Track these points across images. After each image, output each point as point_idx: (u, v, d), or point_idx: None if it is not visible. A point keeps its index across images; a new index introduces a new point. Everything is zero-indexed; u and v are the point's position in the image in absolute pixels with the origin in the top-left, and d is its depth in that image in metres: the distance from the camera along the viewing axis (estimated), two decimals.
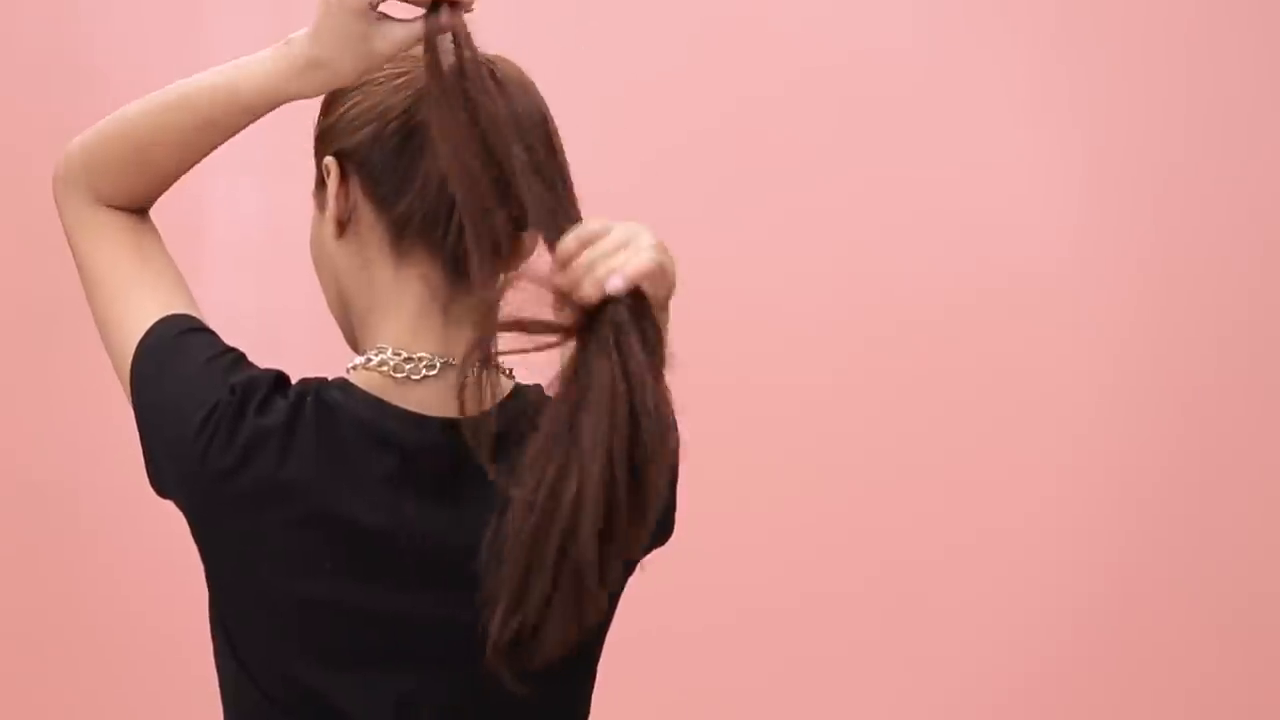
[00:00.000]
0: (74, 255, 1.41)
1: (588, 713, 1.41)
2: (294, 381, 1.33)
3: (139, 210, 1.42)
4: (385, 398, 1.31)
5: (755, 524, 2.81)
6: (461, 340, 1.29)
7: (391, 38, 1.29)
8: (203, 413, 1.28)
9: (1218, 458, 2.83)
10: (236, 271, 2.80)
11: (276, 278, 2.74)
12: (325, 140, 1.37)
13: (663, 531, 1.40)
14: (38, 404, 2.86)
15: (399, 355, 1.32)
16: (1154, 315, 2.82)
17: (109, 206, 1.40)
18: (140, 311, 1.35)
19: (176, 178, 1.41)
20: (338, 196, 1.35)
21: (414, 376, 1.31)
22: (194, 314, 1.36)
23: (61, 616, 2.86)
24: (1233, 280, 2.83)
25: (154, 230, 1.42)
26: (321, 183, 1.37)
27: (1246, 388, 2.83)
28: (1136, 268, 2.82)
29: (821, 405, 2.84)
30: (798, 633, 2.82)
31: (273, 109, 1.35)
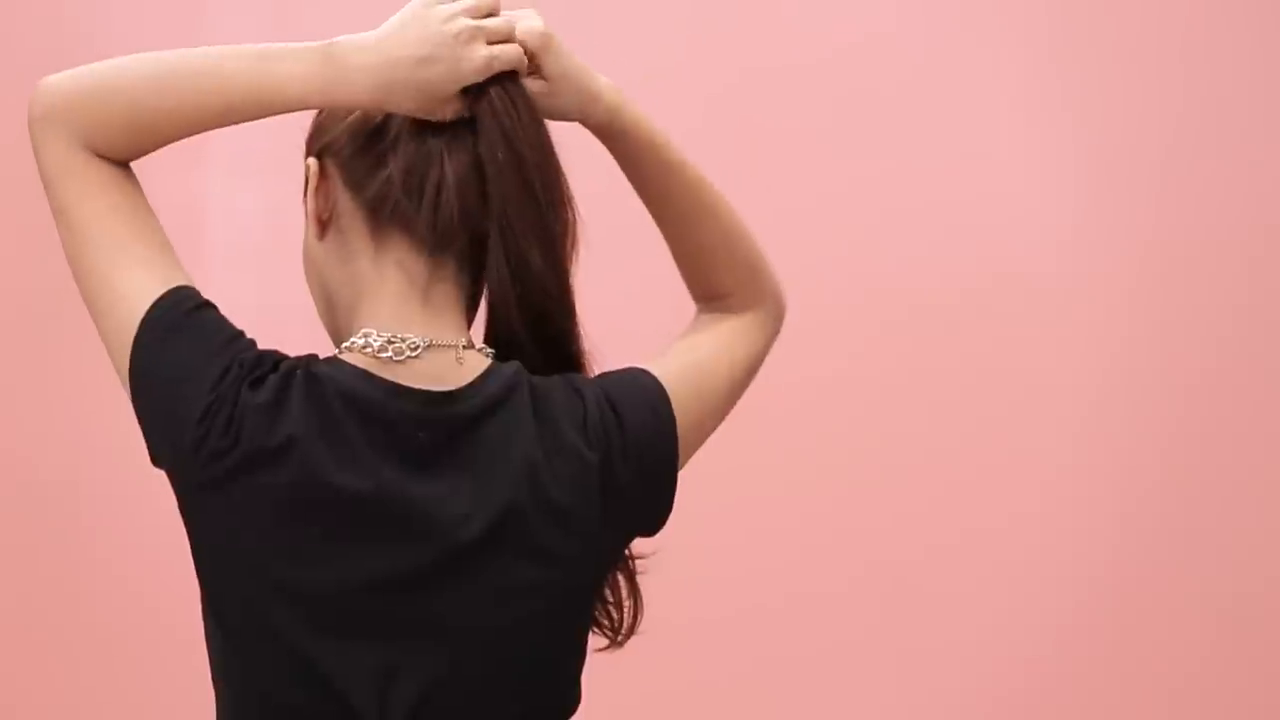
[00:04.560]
0: (56, 200, 1.37)
1: (576, 697, 1.42)
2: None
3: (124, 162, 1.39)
4: (372, 372, 1.34)
5: (745, 520, 2.82)
6: (442, 324, 1.37)
7: (456, 109, 1.36)
8: (206, 399, 1.30)
9: (1213, 454, 2.83)
10: (236, 271, 2.80)
11: (276, 277, 2.74)
12: (310, 144, 1.41)
13: (657, 514, 1.42)
14: (38, 403, 2.87)
15: (383, 337, 1.35)
16: (1149, 309, 2.83)
17: (97, 155, 1.37)
18: (143, 278, 1.34)
19: (167, 144, 1.39)
20: (317, 194, 1.39)
21: (397, 358, 1.35)
22: (193, 285, 1.37)
23: (61, 613, 2.87)
24: (1228, 274, 2.83)
25: (137, 182, 1.39)
26: (308, 188, 1.41)
27: (1242, 383, 2.83)
28: (1132, 262, 2.83)
29: (813, 400, 2.84)
30: (788, 629, 2.83)
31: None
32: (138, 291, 1.34)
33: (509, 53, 1.36)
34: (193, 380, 1.31)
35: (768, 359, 2.86)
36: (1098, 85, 2.84)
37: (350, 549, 1.31)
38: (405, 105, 1.34)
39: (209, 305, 1.36)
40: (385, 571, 1.32)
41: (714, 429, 1.50)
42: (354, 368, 1.34)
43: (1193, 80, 2.84)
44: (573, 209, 1.39)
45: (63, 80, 1.38)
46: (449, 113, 1.35)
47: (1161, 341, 2.82)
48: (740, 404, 2.99)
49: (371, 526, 1.31)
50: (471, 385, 1.35)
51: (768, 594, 2.82)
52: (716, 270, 1.53)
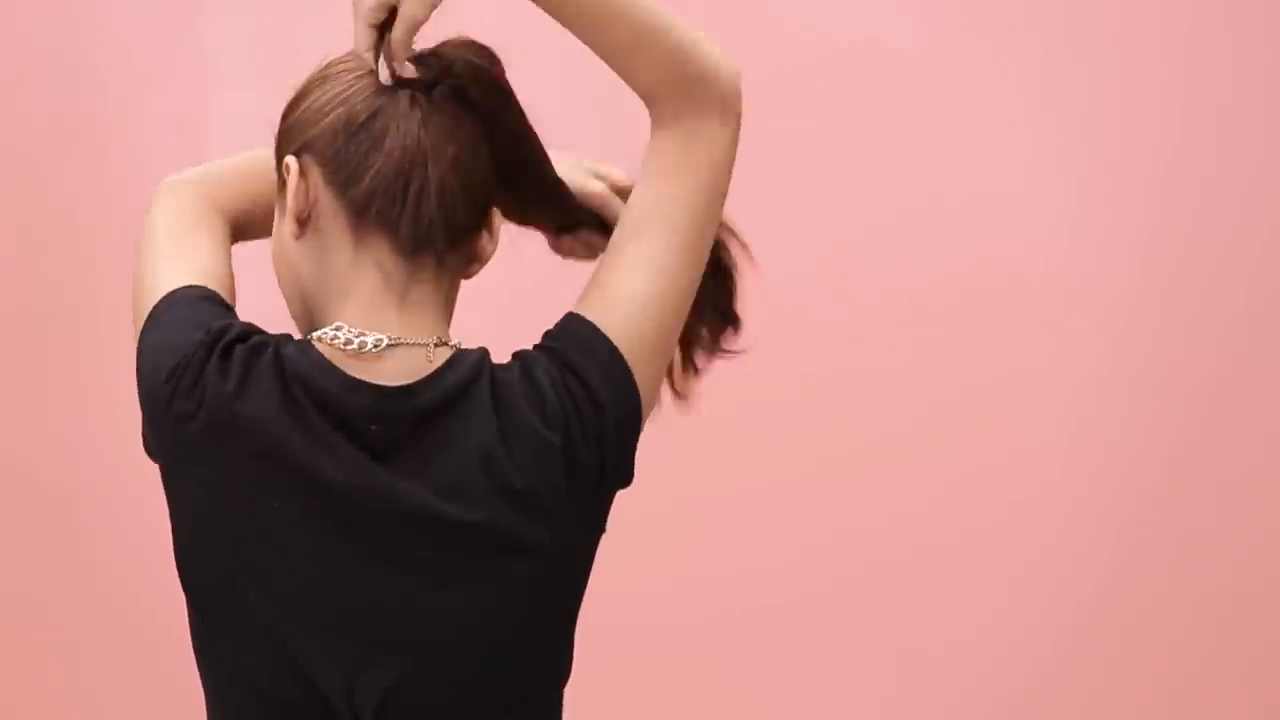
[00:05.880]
0: (155, 211, 1.48)
1: (564, 670, 1.41)
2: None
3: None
4: (334, 363, 1.35)
5: (744, 519, 2.81)
6: (417, 324, 1.37)
7: None
8: (175, 360, 1.34)
9: (1213, 454, 2.83)
10: (236, 271, 2.80)
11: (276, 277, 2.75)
12: (286, 141, 1.41)
13: (626, 472, 1.41)
14: (38, 403, 2.87)
15: (351, 332, 1.36)
16: (1149, 309, 2.83)
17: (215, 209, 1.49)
18: (182, 277, 1.41)
19: None
20: (297, 193, 1.38)
21: (360, 352, 1.35)
22: (229, 301, 1.42)
23: (61, 613, 2.87)
24: (1229, 274, 2.83)
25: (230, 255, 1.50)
26: (282, 186, 1.41)
27: (1242, 383, 2.83)
28: (1132, 261, 2.82)
29: (814, 399, 2.84)
30: (787, 628, 2.82)
31: None
32: (170, 283, 1.40)
33: None
34: (172, 343, 1.35)
35: (764, 358, 2.83)
36: (1099, 85, 2.84)
37: (315, 536, 1.32)
38: None
39: (223, 304, 1.40)
40: (347, 562, 1.32)
41: (692, 289, 1.42)
42: (319, 356, 1.34)
43: (1194, 80, 2.84)
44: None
45: (196, 173, 1.52)
46: None
47: (1162, 341, 2.82)
48: (738, 401, 2.99)
49: (335, 515, 1.32)
50: (429, 378, 1.35)
51: (767, 593, 2.82)
52: (641, 73, 1.39)
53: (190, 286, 1.40)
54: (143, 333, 1.39)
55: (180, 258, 1.43)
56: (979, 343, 2.83)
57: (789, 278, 2.84)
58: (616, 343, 1.38)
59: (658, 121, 1.41)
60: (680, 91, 1.39)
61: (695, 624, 2.81)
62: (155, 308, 1.38)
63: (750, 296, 2.76)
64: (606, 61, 1.40)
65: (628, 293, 1.39)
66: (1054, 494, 2.83)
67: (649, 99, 1.40)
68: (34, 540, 2.87)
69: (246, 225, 1.52)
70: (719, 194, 1.41)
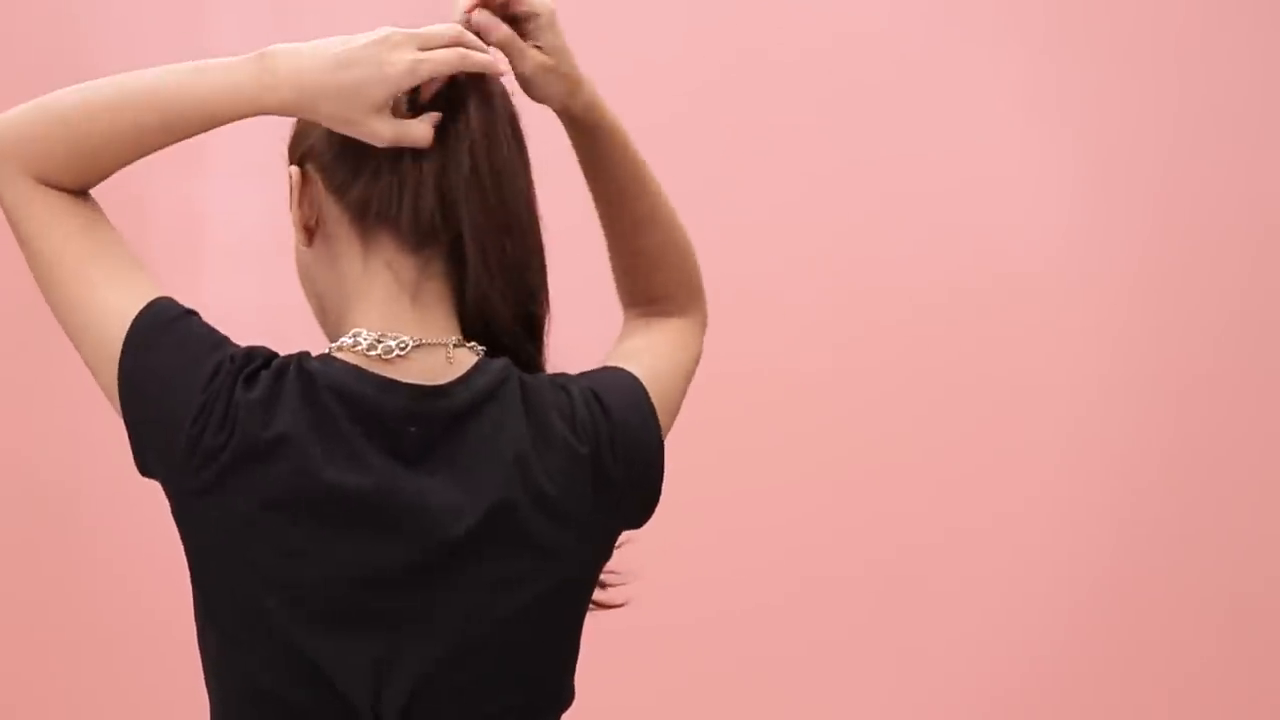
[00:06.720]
0: (20, 233, 1.40)
1: (569, 693, 1.42)
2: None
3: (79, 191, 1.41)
4: (363, 368, 1.35)
5: (742, 519, 2.82)
6: (432, 323, 1.37)
7: (395, 131, 1.34)
8: (199, 401, 1.32)
9: (1210, 452, 2.83)
10: (236, 271, 2.81)
11: (277, 278, 2.74)
12: (292, 151, 1.41)
13: (646, 506, 1.43)
14: (38, 403, 2.87)
15: (371, 336, 1.36)
16: (1146, 308, 2.83)
17: (51, 187, 1.39)
18: (119, 295, 1.36)
19: (117, 170, 1.40)
20: (300, 203, 1.39)
21: (385, 356, 1.35)
22: (170, 297, 1.38)
23: (61, 613, 2.87)
24: (1226, 273, 2.83)
25: (97, 206, 1.41)
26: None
27: (1239, 381, 2.83)
28: (1129, 260, 2.83)
29: (811, 398, 2.84)
30: (787, 628, 2.83)
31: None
32: (116, 308, 1.35)
33: (439, 58, 1.34)
34: (184, 383, 1.32)
35: (762, 358, 2.85)
36: (1095, 83, 2.84)
37: (343, 544, 1.32)
38: (325, 110, 1.33)
39: (191, 312, 1.37)
40: (378, 566, 1.33)
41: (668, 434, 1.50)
42: (345, 364, 1.35)
43: (1191, 78, 2.84)
44: (539, 233, 1.40)
45: (7, 118, 1.41)
46: (384, 132, 1.33)
47: (1158, 340, 2.83)
48: (735, 401, 2.98)
49: (364, 521, 1.32)
50: (460, 380, 1.35)
51: (766, 593, 2.83)
52: (661, 273, 1.53)
53: (156, 304, 1.36)
54: (127, 360, 1.34)
55: (104, 264, 1.37)
56: (977, 342, 2.84)
57: (787, 277, 2.85)
58: (643, 381, 1.43)
59: (659, 313, 1.54)
60: (689, 293, 1.55)
61: (695, 624, 2.81)
62: (131, 334, 1.34)
63: (740, 295, 2.78)
64: (638, 260, 1.52)
65: (647, 364, 1.46)
66: (1052, 493, 2.83)
67: (660, 297, 1.53)
68: (34, 540, 2.87)
69: (81, 170, 1.39)
70: (688, 383, 1.52)
